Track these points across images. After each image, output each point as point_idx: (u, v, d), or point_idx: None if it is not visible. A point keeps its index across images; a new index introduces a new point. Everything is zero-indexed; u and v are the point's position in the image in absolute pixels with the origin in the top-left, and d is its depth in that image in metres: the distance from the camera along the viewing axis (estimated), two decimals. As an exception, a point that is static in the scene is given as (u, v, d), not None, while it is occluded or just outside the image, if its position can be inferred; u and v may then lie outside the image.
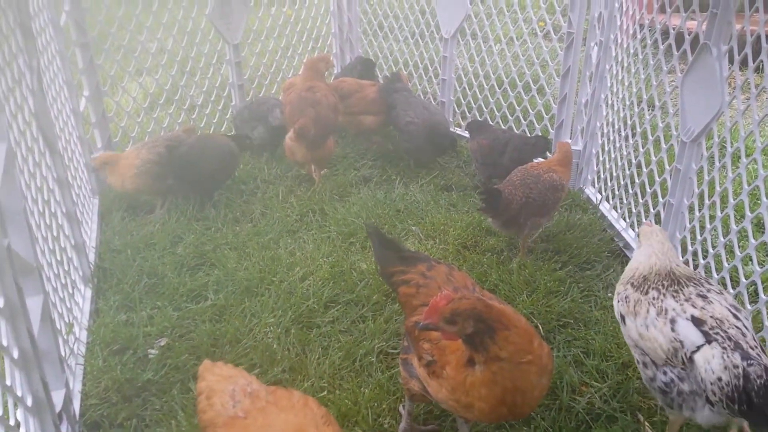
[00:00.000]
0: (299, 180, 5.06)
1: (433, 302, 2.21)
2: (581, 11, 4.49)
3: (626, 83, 4.15)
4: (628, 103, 4.14)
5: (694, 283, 2.52)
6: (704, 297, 2.44)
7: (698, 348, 2.27)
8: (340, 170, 5.17)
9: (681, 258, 3.53)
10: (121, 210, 4.57)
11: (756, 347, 2.26)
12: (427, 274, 2.65)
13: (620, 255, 4.07)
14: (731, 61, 3.08)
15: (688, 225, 3.47)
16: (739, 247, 3.09)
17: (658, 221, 3.74)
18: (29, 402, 2.28)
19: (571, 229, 4.22)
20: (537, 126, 5.18)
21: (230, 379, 2.20)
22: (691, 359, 2.29)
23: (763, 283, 2.87)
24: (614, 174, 4.32)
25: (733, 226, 3.10)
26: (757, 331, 2.88)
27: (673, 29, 3.61)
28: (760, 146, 2.84)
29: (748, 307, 2.94)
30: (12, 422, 2.18)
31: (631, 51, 4.08)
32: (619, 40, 4.21)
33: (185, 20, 5.45)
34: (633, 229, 4.06)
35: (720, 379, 2.20)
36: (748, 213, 2.98)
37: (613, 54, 4.26)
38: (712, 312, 2.36)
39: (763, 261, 3.81)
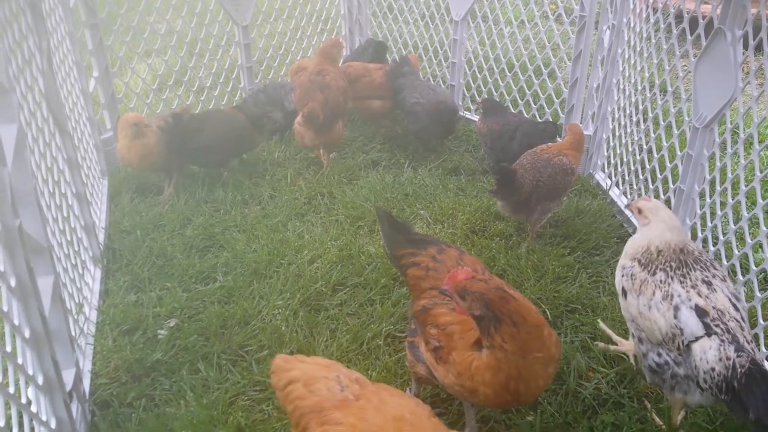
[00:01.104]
0: (308, 163, 5.06)
1: (454, 272, 2.29)
2: (594, -6, 4.44)
3: (638, 68, 4.10)
4: (639, 87, 4.10)
5: (701, 267, 2.53)
6: (709, 284, 2.46)
7: (697, 339, 2.34)
8: (349, 153, 5.17)
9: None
10: (130, 191, 4.59)
11: (751, 341, 2.34)
12: (438, 257, 2.65)
13: (629, 241, 4.05)
14: (746, 46, 3.03)
15: (698, 211, 3.45)
16: (749, 234, 3.07)
17: (668, 207, 3.71)
18: (40, 381, 2.31)
19: (581, 215, 4.21)
20: (547, 110, 5.14)
21: (330, 367, 2.17)
22: (687, 347, 2.35)
23: (773, 270, 2.86)
24: (625, 159, 4.29)
25: (744, 213, 3.07)
26: (766, 319, 2.88)
27: (687, 13, 3.56)
28: (773, 133, 2.81)
29: (758, 294, 2.92)
30: (23, 400, 2.20)
31: (644, 35, 4.03)
32: (632, 24, 4.16)
33: (194, 1, 5.43)
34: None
35: (713, 369, 2.28)
36: (759, 200, 2.95)
37: (626, 38, 4.21)
38: (715, 302, 2.40)
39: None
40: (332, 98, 4.76)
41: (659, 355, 2.48)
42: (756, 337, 2.95)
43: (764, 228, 2.90)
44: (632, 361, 2.95)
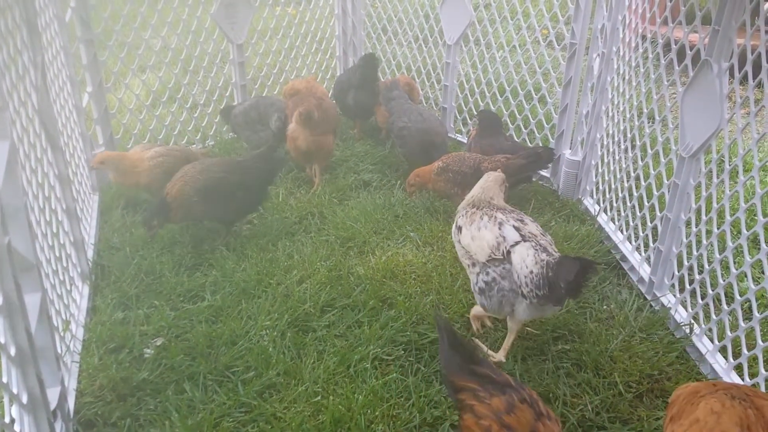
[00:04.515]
0: (299, 182, 5.08)
1: None
2: (584, 22, 4.51)
3: (627, 96, 4.17)
4: (628, 115, 4.15)
5: (516, 213, 3.19)
6: (522, 220, 3.11)
7: (516, 243, 2.95)
8: (340, 174, 5.19)
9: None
10: (120, 207, 4.59)
11: (556, 254, 2.92)
12: (505, 420, 2.07)
13: (617, 267, 4.08)
14: (732, 76, 3.09)
15: (684, 240, 3.49)
16: (734, 263, 3.11)
17: (655, 235, 3.76)
18: (24, 399, 2.29)
19: (569, 240, 4.24)
20: (537, 135, 5.20)
21: None
22: (509, 252, 2.95)
23: (757, 300, 2.90)
24: (613, 186, 4.34)
25: (729, 243, 3.12)
26: (751, 348, 2.91)
27: (676, 43, 3.62)
28: (758, 163, 2.85)
29: (742, 324, 2.96)
30: (7, 419, 2.19)
31: (633, 64, 4.10)
32: (621, 53, 4.23)
33: (190, 19, 5.47)
34: (630, 242, 4.08)
35: (531, 272, 2.84)
36: (744, 230, 2.99)
37: (615, 66, 4.27)
38: (529, 229, 3.05)
39: (758, 278, 3.82)
40: (326, 106, 5.04)
41: (487, 273, 3.01)
42: (740, 366, 2.99)
43: (748, 257, 2.94)
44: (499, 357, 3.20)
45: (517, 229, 3.01)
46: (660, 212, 3.73)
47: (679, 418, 2.10)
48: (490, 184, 3.42)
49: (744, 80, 2.98)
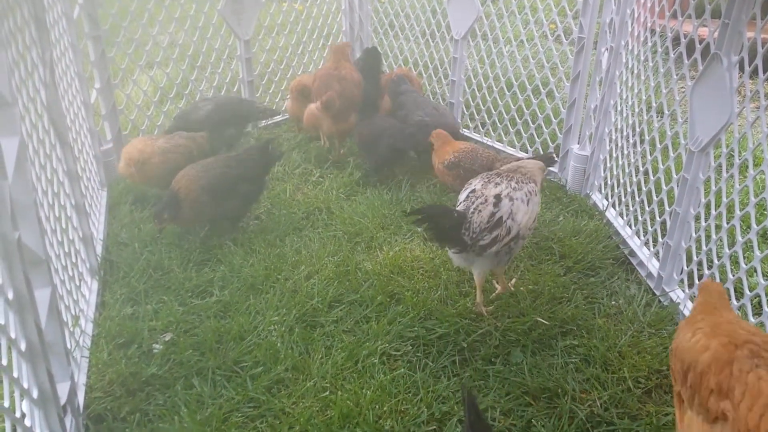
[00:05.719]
0: (306, 177, 5.08)
1: None
2: (593, 16, 4.48)
3: (636, 90, 4.14)
4: (637, 109, 4.13)
5: (504, 177, 3.50)
6: (497, 184, 3.43)
7: (459, 203, 3.47)
8: (348, 169, 5.19)
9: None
10: (128, 203, 4.61)
11: (477, 210, 3.31)
12: None
13: (625, 262, 4.07)
14: (742, 70, 3.07)
15: (693, 235, 3.47)
16: (744, 258, 3.09)
17: (664, 230, 3.74)
18: (35, 394, 2.30)
19: (577, 235, 4.22)
20: (545, 130, 5.18)
21: None
22: None
23: (767, 295, 2.88)
24: (621, 181, 4.32)
25: (739, 238, 3.10)
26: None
27: (685, 36, 3.60)
28: (768, 158, 2.84)
29: (752, 319, 2.94)
30: (18, 414, 2.20)
31: (642, 58, 4.07)
32: (630, 47, 4.20)
33: (197, 15, 5.47)
34: (639, 237, 4.06)
35: None
36: (754, 225, 2.98)
37: (624, 60, 4.25)
38: (484, 192, 3.39)
39: (768, 272, 3.81)
40: (348, 90, 5.15)
41: None
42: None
43: (758, 253, 2.92)
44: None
45: (473, 191, 3.45)
46: (669, 207, 3.71)
47: (731, 391, 2.05)
48: (532, 165, 3.75)
49: (754, 74, 2.95)
